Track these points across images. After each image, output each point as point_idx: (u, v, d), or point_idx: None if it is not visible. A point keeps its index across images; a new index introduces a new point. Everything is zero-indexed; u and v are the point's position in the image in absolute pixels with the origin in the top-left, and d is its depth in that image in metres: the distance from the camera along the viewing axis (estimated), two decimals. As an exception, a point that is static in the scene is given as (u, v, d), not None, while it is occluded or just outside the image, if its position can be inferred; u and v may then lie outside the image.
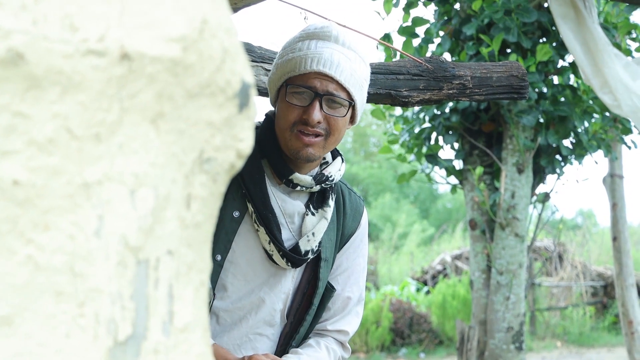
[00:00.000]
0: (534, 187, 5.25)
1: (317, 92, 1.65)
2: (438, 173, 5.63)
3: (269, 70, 2.17)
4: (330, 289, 1.87)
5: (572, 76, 5.11)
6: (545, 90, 4.99)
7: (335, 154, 1.86)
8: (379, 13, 5.03)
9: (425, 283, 12.99)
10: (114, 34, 0.51)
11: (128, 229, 0.53)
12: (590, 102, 4.98)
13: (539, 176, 5.29)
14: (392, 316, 10.28)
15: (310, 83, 1.65)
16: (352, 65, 1.68)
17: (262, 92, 2.16)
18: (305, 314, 1.83)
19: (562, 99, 5.02)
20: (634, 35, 5.12)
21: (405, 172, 5.42)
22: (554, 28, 4.79)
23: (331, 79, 1.66)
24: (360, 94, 1.72)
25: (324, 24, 1.71)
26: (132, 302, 0.53)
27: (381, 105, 4.99)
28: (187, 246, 0.56)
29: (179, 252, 0.56)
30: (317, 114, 1.65)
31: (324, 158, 1.82)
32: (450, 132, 5.25)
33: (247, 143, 0.59)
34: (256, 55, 2.16)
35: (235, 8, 2.07)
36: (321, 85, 1.65)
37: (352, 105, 1.70)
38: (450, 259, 13.13)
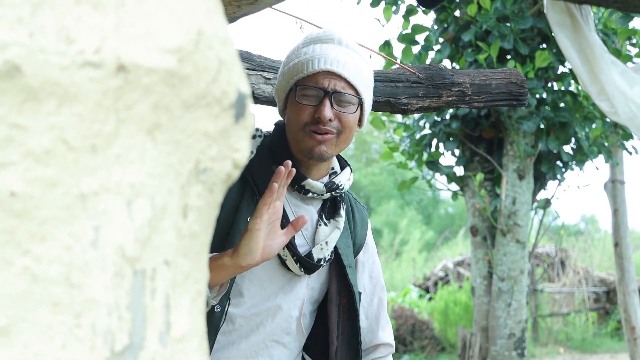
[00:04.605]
0: (535, 193, 5.26)
1: (326, 90, 1.69)
2: (439, 180, 5.63)
3: (269, 79, 2.17)
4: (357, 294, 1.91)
5: (572, 82, 5.11)
6: (545, 96, 5.00)
7: (343, 164, 1.89)
8: (379, 20, 5.05)
9: (427, 290, 12.98)
10: (110, 46, 0.51)
11: (125, 239, 0.53)
12: (591, 107, 4.99)
13: (540, 182, 5.30)
14: (395, 323, 10.27)
15: (319, 82, 1.70)
16: (357, 64, 1.73)
17: (261, 101, 2.17)
18: (356, 323, 1.85)
19: (563, 105, 5.03)
20: (634, 41, 5.13)
21: (406, 179, 5.42)
22: (553, 34, 4.80)
23: (339, 77, 1.70)
24: (367, 93, 1.76)
25: (326, 29, 1.76)
26: (129, 312, 0.53)
27: (380, 114, 5.00)
28: (184, 256, 0.57)
29: (176, 262, 0.56)
30: (328, 112, 1.68)
31: (332, 168, 1.85)
32: (451, 139, 5.26)
33: (243, 153, 0.59)
34: (255, 63, 2.17)
35: (234, 17, 2.08)
36: (330, 83, 1.70)
37: (360, 102, 1.74)
38: (452, 266, 13.11)
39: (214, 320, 1.69)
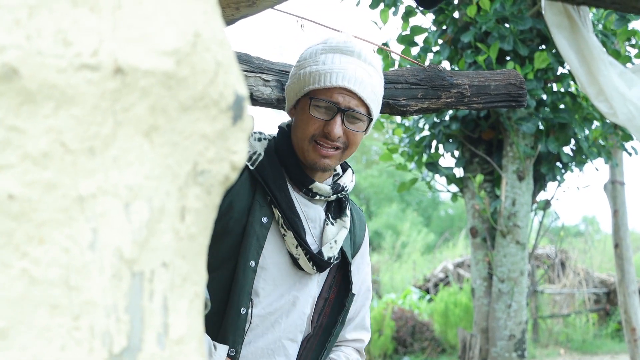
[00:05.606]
0: (534, 194, 5.26)
1: (340, 107, 1.71)
2: (438, 181, 5.63)
3: (267, 81, 2.18)
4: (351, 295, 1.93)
5: (571, 83, 5.12)
6: (545, 97, 5.00)
7: (345, 166, 1.93)
8: (376, 23, 5.04)
9: (427, 291, 12.97)
10: (107, 48, 0.51)
11: (122, 241, 0.53)
12: (590, 108, 4.99)
13: (539, 183, 5.30)
14: (395, 324, 10.26)
15: (333, 98, 1.71)
16: (372, 82, 1.74)
17: (260, 103, 2.17)
18: (337, 318, 1.88)
19: (562, 106, 5.03)
20: (633, 42, 5.13)
21: (405, 181, 5.42)
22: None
23: (354, 95, 1.72)
24: (377, 109, 1.79)
25: (346, 38, 1.76)
26: (127, 314, 0.53)
27: (379, 115, 5.01)
28: (182, 258, 0.57)
29: (174, 264, 0.56)
30: (338, 129, 1.71)
31: (335, 170, 1.89)
32: (451, 140, 5.26)
33: (241, 155, 0.59)
34: (254, 65, 2.17)
35: (232, 20, 2.08)
36: (344, 100, 1.71)
37: (370, 120, 1.77)
38: (453, 267, 13.11)
39: (240, 322, 1.73)
